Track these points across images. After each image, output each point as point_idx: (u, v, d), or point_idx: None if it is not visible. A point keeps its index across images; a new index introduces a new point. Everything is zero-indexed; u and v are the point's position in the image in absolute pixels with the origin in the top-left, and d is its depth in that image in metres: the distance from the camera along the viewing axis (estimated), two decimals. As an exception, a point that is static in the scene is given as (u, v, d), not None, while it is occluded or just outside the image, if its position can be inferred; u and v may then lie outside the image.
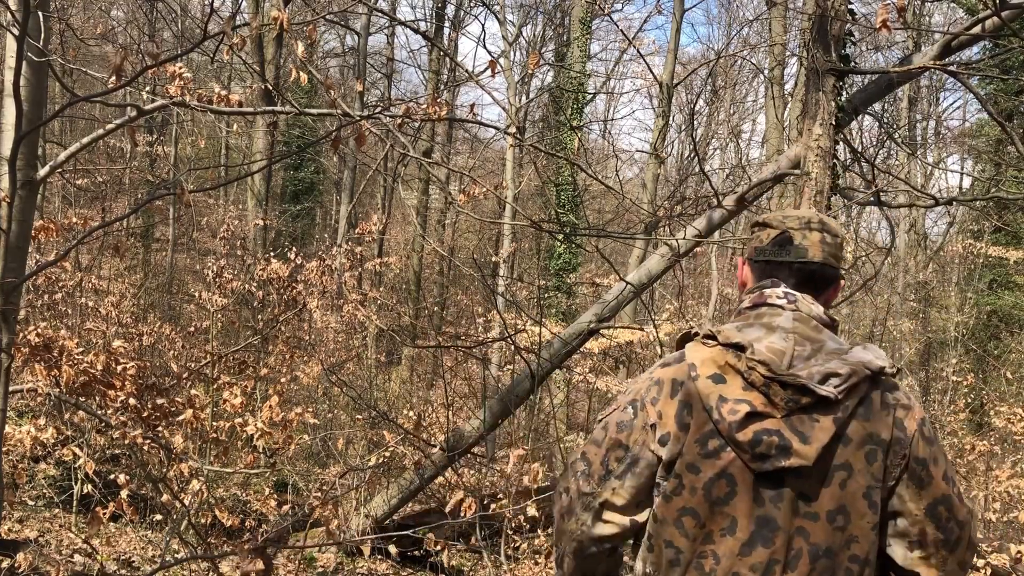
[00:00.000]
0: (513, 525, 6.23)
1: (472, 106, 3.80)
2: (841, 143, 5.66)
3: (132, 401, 4.62)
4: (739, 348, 1.66)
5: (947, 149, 24.36)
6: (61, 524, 6.49)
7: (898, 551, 1.66)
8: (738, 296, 1.87)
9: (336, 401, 10.95)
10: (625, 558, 1.85)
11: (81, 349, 4.88)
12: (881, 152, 18.65)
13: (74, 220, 6.57)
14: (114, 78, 3.12)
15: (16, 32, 3.06)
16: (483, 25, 53.82)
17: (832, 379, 1.60)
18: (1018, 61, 15.88)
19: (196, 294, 10.32)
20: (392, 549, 4.67)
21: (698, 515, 1.63)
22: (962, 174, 25.97)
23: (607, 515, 1.72)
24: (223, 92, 3.52)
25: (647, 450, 1.68)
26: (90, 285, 10.01)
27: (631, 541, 1.77)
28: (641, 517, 1.71)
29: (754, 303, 1.76)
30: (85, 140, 3.69)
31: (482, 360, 10.25)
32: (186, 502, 4.63)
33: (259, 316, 9.36)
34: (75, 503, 6.49)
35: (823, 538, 1.59)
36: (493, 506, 6.37)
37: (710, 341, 1.71)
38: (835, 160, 5.41)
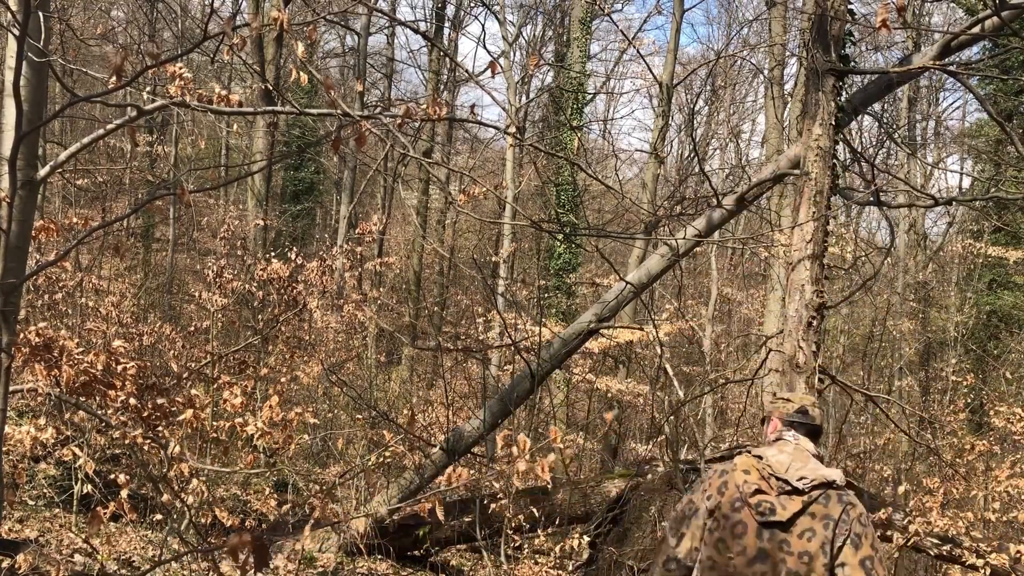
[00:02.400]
0: (513, 525, 6.23)
1: (472, 106, 3.80)
2: (841, 143, 5.67)
3: (132, 401, 4.62)
4: (759, 457, 3.04)
5: (947, 149, 24.36)
6: (61, 524, 6.49)
7: None
8: (765, 437, 3.24)
9: (336, 401, 10.95)
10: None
11: (81, 349, 4.88)
12: (881, 152, 18.67)
13: (74, 220, 6.57)
14: (114, 78, 3.12)
15: (16, 32, 3.06)
16: (483, 25, 53.90)
17: (804, 480, 2.93)
18: (1018, 61, 15.89)
19: (196, 294, 10.31)
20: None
21: (725, 542, 2.95)
22: (962, 174, 25.98)
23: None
24: (223, 92, 3.52)
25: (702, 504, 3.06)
26: (90, 285, 10.01)
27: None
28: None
29: (776, 438, 3.13)
30: (85, 140, 3.69)
31: (482, 360, 10.25)
32: (186, 501, 4.64)
33: (259, 316, 9.36)
34: (75, 503, 6.48)
35: (794, 567, 2.85)
36: (493, 506, 6.37)
37: (750, 453, 3.08)
38: (835, 160, 5.41)
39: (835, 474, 2.95)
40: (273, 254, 9.51)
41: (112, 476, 4.29)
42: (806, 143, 5.29)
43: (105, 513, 3.13)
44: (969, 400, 13.82)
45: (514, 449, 2.79)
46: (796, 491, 2.91)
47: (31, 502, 6.87)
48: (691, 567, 3.00)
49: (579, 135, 15.99)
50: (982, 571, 6.11)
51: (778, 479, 2.94)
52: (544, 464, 2.73)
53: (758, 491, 2.94)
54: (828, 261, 5.43)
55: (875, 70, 7.75)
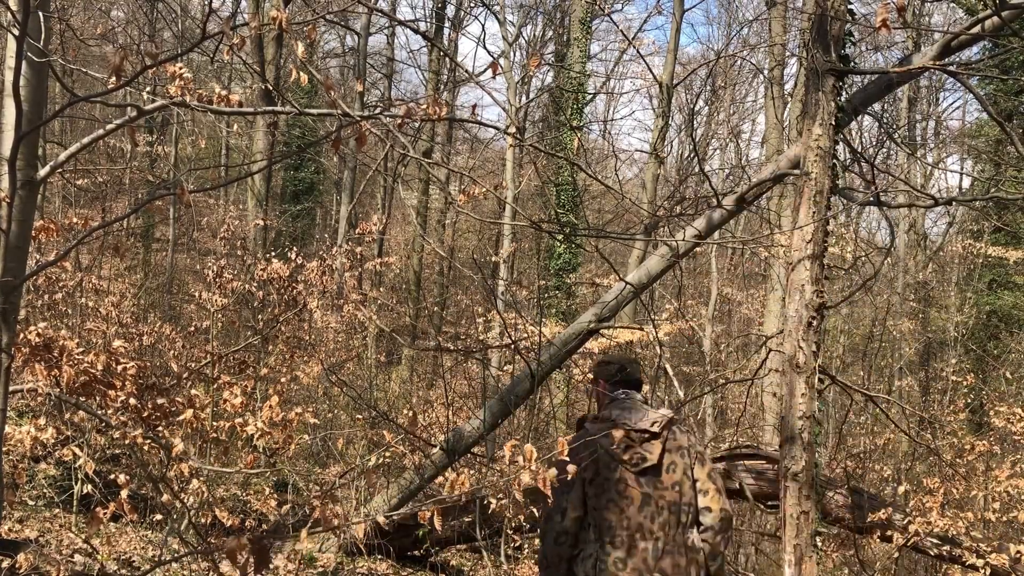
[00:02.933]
0: (513, 525, 6.23)
1: (473, 106, 3.80)
2: (841, 143, 5.66)
3: (132, 401, 4.62)
4: (611, 420, 3.48)
5: (947, 149, 24.36)
6: (61, 524, 6.49)
7: (700, 498, 3.43)
8: (598, 399, 3.74)
9: (336, 401, 10.95)
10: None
11: (81, 349, 4.87)
12: (881, 152, 18.66)
13: (74, 220, 6.56)
14: (114, 78, 3.12)
15: (16, 32, 3.06)
16: (483, 25, 53.96)
17: (655, 424, 3.43)
18: (1018, 61, 15.87)
19: (196, 294, 10.30)
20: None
21: (615, 502, 3.37)
22: (962, 174, 25.97)
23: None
24: (223, 92, 3.52)
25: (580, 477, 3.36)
26: (90, 285, 10.00)
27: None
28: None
29: (613, 399, 3.60)
30: (85, 140, 3.69)
31: (482, 360, 10.25)
32: (186, 502, 4.64)
33: (259, 316, 9.35)
34: (75, 503, 6.48)
35: (671, 497, 3.37)
36: (493, 505, 6.37)
37: (598, 419, 3.55)
38: (835, 160, 5.41)
39: (669, 412, 3.54)
40: (273, 254, 9.50)
41: (112, 476, 4.29)
42: (806, 143, 5.29)
43: (105, 513, 3.13)
44: (969, 400, 13.81)
45: (520, 459, 2.78)
46: (654, 436, 3.43)
47: (31, 502, 6.87)
48: (576, 533, 3.42)
49: (579, 135, 15.98)
50: (982, 571, 6.10)
51: (636, 431, 3.43)
52: (547, 479, 2.72)
53: (627, 447, 3.40)
54: (828, 261, 5.43)
55: (875, 70, 7.75)
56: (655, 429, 3.41)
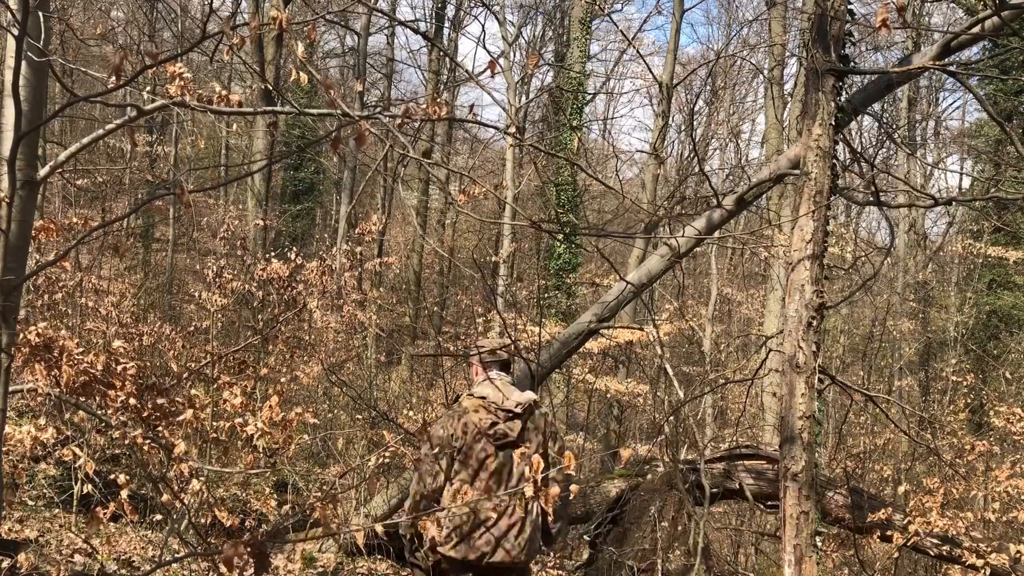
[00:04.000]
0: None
1: (472, 106, 3.80)
2: (841, 143, 5.66)
3: (132, 401, 4.62)
4: (483, 397, 4.02)
5: (947, 149, 24.37)
6: (61, 524, 6.48)
7: (551, 471, 3.52)
8: (472, 377, 4.26)
9: (336, 401, 10.94)
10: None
11: (81, 349, 4.87)
12: (881, 152, 18.65)
13: (74, 220, 6.56)
14: (114, 78, 3.12)
15: (16, 32, 3.06)
16: (483, 25, 53.89)
17: (519, 405, 3.99)
18: (1018, 61, 15.87)
19: (196, 294, 10.30)
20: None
21: (476, 470, 3.95)
22: (961, 174, 25.97)
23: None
24: (223, 92, 3.52)
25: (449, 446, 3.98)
26: (90, 285, 10.00)
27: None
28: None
29: (484, 379, 4.10)
30: (85, 140, 3.69)
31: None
32: (186, 502, 4.63)
33: (259, 316, 9.35)
34: (75, 503, 6.48)
35: (521, 469, 3.83)
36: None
37: (472, 396, 4.06)
38: (835, 160, 5.41)
39: (533, 395, 4.17)
40: (273, 254, 9.50)
41: (112, 476, 4.28)
42: (806, 143, 5.29)
43: (105, 513, 3.13)
44: (969, 400, 13.80)
45: (527, 471, 2.77)
46: (516, 415, 4.01)
47: (31, 502, 6.87)
48: (438, 499, 3.91)
49: (579, 135, 15.98)
50: (982, 571, 6.10)
51: (502, 409, 3.99)
52: (549, 497, 2.71)
53: (493, 423, 3.96)
54: (828, 261, 5.43)
55: (875, 70, 7.75)
56: (517, 410, 3.99)
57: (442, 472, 3.92)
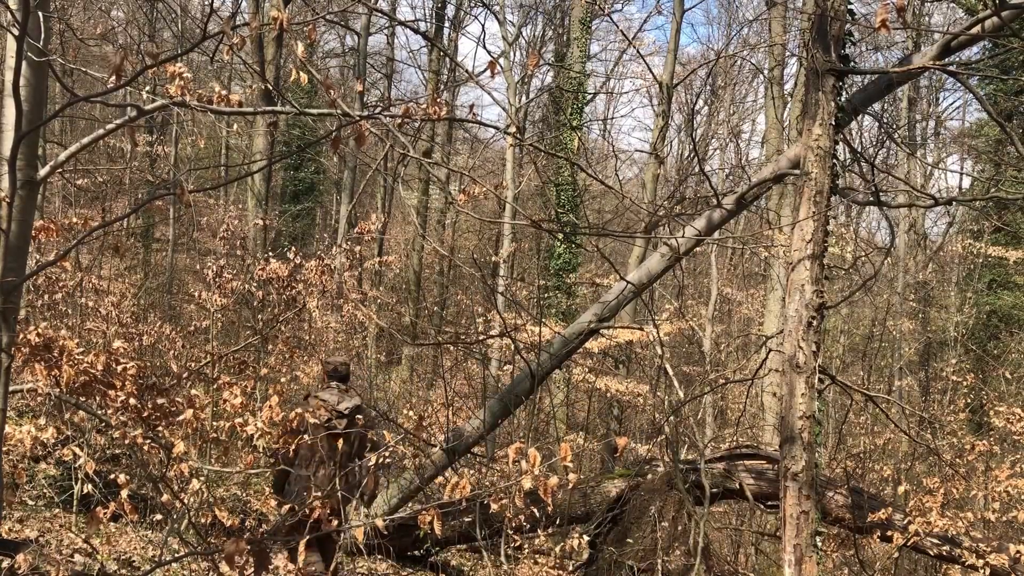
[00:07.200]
0: (513, 525, 6.23)
1: (472, 106, 3.80)
2: (841, 143, 5.66)
3: (132, 401, 4.62)
4: (324, 400, 5.48)
5: (947, 149, 24.36)
6: (61, 524, 6.48)
7: (361, 460, 5.40)
8: (321, 383, 5.99)
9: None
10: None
11: (81, 349, 4.87)
12: (881, 152, 18.66)
13: (74, 220, 6.56)
14: (114, 78, 3.12)
15: (16, 32, 3.06)
16: (483, 25, 53.86)
17: (347, 408, 5.48)
18: (1018, 61, 15.86)
19: (196, 294, 10.28)
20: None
21: (308, 458, 5.44)
22: (962, 174, 25.97)
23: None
24: (223, 92, 3.52)
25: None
26: (90, 285, 9.99)
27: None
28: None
29: (327, 386, 5.63)
30: (85, 140, 3.69)
31: (482, 360, 10.23)
32: (186, 501, 4.63)
33: (259, 316, 9.35)
34: (75, 503, 6.48)
35: (347, 452, 5.42)
36: (494, 506, 6.36)
37: (316, 397, 5.58)
38: (835, 160, 5.41)
39: (359, 399, 5.55)
40: (273, 254, 9.50)
41: (112, 476, 4.28)
42: (806, 143, 5.29)
43: (105, 513, 3.13)
44: (969, 400, 13.80)
45: (523, 464, 2.76)
46: (343, 415, 5.36)
47: (31, 502, 6.86)
48: (304, 484, 5.31)
49: (579, 135, 15.98)
50: (982, 571, 6.10)
51: (335, 410, 5.35)
52: (548, 487, 2.71)
53: (328, 420, 5.20)
54: (828, 261, 5.43)
55: (875, 70, 7.75)
56: (345, 411, 5.37)
57: (288, 462, 5.30)
